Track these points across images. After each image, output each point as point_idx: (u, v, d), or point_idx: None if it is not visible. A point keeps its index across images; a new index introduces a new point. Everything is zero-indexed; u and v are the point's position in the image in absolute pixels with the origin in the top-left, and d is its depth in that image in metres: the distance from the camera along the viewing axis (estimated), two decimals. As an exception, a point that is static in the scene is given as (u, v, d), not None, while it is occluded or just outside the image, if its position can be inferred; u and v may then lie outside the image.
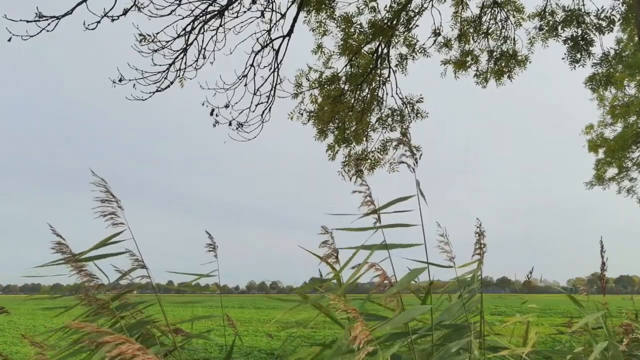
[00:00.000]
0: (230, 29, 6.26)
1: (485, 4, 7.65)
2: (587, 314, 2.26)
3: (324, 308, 1.78)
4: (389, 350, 1.58)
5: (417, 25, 7.72)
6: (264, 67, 6.91)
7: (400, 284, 1.71)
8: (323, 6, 7.31)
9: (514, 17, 7.56)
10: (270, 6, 6.51)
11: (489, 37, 7.81)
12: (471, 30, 7.83)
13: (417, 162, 1.88)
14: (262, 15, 6.47)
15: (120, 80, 5.69)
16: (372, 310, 2.03)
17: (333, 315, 1.85)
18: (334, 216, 2.01)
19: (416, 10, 7.59)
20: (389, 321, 1.57)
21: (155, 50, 5.84)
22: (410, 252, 1.85)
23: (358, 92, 8.13)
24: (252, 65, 6.78)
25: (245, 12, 6.22)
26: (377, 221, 1.84)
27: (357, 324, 1.26)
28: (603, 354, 2.11)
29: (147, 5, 5.24)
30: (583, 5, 6.91)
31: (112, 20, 5.09)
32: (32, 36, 4.68)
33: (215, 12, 6.12)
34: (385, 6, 7.42)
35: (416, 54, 7.87)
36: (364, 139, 8.47)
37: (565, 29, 7.07)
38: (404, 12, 7.46)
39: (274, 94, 7.07)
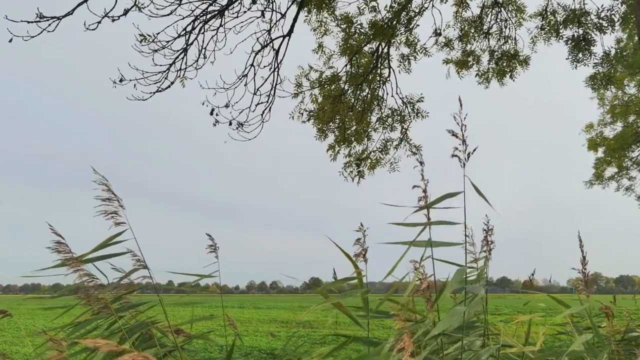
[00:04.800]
0: (230, 29, 6.26)
1: (485, 4, 7.65)
2: (585, 310, 2.27)
3: (345, 308, 1.78)
4: (422, 354, 1.57)
5: (417, 25, 7.72)
6: (264, 67, 6.92)
7: (451, 286, 1.69)
8: (323, 5, 7.30)
9: (515, 16, 7.56)
10: (270, 6, 6.51)
11: (489, 37, 7.81)
12: (472, 31, 7.82)
13: (468, 157, 1.84)
14: (262, 15, 6.47)
15: (121, 81, 5.70)
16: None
17: (353, 316, 1.84)
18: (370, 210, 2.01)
19: (416, 10, 7.59)
20: (436, 325, 1.56)
21: (156, 50, 5.84)
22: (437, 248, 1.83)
23: (358, 92, 8.13)
24: (252, 65, 6.78)
25: (245, 12, 6.23)
26: (427, 217, 1.82)
27: (405, 336, 1.25)
28: (589, 345, 2.13)
29: (148, 5, 5.25)
30: (584, 4, 6.91)
31: (113, 20, 5.09)
32: (33, 37, 4.68)
33: (216, 12, 6.12)
34: (386, 6, 7.43)
35: (417, 54, 7.87)
36: (365, 138, 8.48)
37: (566, 28, 7.06)
38: (404, 12, 7.46)
39: (274, 94, 7.08)
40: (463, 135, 1.84)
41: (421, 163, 1.91)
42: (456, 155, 1.84)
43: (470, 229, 2.06)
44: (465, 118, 1.85)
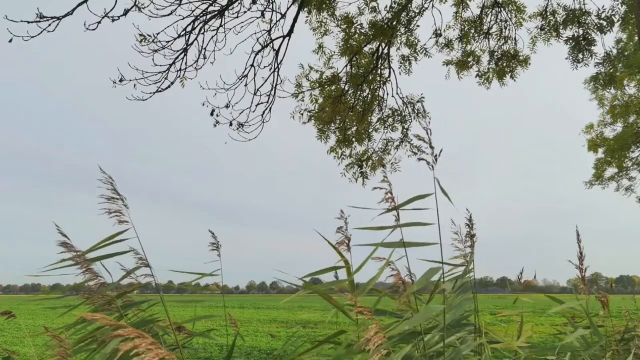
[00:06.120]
0: (230, 29, 6.27)
1: (485, 4, 7.65)
2: (585, 309, 2.28)
3: (334, 300, 1.78)
4: (402, 351, 1.57)
5: (417, 26, 7.73)
6: (264, 67, 6.92)
7: (418, 283, 1.71)
8: (323, 6, 7.31)
9: (515, 17, 7.56)
10: (270, 6, 6.51)
11: (489, 37, 7.81)
12: (472, 31, 7.83)
13: (436, 160, 1.87)
14: (262, 15, 6.47)
15: (120, 81, 5.70)
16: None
17: (345, 311, 1.85)
18: (350, 215, 2.02)
19: (416, 11, 7.60)
20: (406, 321, 1.56)
21: (156, 51, 5.84)
22: (420, 249, 1.85)
23: (359, 92, 8.14)
24: (252, 65, 6.79)
25: (245, 12, 6.23)
26: (396, 218, 1.83)
27: (372, 326, 1.25)
28: (585, 340, 2.14)
29: (148, 6, 5.25)
30: (584, 4, 6.91)
31: (113, 20, 5.10)
32: (33, 37, 4.68)
33: (216, 12, 6.13)
34: (386, 6, 7.43)
35: (418, 54, 7.88)
36: (366, 139, 8.48)
37: (566, 28, 7.06)
38: (404, 13, 7.46)
39: (274, 94, 7.08)
40: (430, 139, 1.87)
41: (383, 166, 1.95)
42: (423, 159, 1.87)
43: (458, 226, 2.07)
44: (429, 122, 1.88)
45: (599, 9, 6.73)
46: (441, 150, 1.86)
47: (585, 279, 2.33)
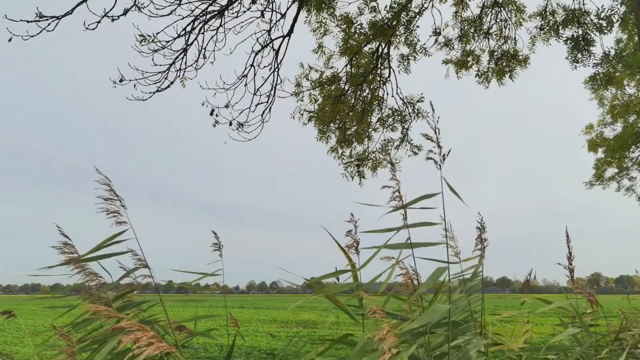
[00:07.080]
0: (230, 29, 6.26)
1: (485, 4, 7.65)
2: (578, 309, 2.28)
3: (339, 302, 1.78)
4: (408, 351, 1.57)
5: (417, 26, 7.72)
6: (264, 67, 6.92)
7: (427, 283, 1.71)
8: (323, 6, 7.30)
9: (514, 17, 7.56)
10: (270, 6, 6.51)
11: (489, 37, 7.81)
12: (472, 31, 7.83)
13: (444, 159, 1.86)
14: (262, 15, 6.47)
15: (120, 81, 5.69)
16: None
17: (347, 310, 1.84)
18: (355, 212, 2.02)
19: (416, 10, 7.59)
20: (414, 320, 1.56)
21: (156, 50, 5.84)
22: (422, 248, 1.85)
23: (359, 92, 8.13)
24: (252, 65, 6.78)
25: (245, 12, 6.23)
26: (404, 217, 1.83)
27: (385, 325, 1.24)
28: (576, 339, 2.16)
29: (147, 5, 5.25)
30: (583, 5, 6.91)
31: (112, 20, 5.09)
32: (32, 36, 4.68)
33: (215, 12, 6.12)
34: (386, 6, 7.43)
35: (417, 54, 7.87)
36: (365, 139, 8.48)
37: (565, 28, 7.06)
38: (404, 12, 7.46)
39: (274, 94, 7.08)
40: (437, 138, 1.86)
41: (392, 164, 1.95)
42: (431, 158, 1.86)
43: (451, 226, 2.07)
44: (438, 121, 1.87)
45: (598, 9, 6.73)
46: (449, 151, 1.85)
47: (574, 278, 2.33)
